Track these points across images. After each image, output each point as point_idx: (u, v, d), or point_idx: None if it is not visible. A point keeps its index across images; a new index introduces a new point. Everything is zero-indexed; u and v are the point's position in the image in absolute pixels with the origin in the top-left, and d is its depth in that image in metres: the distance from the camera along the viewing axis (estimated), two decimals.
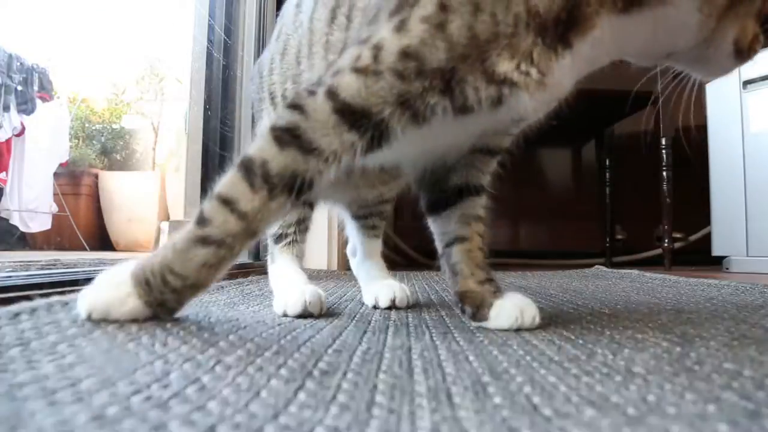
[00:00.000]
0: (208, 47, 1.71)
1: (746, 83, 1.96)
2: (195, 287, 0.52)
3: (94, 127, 4.38)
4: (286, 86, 0.78)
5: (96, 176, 3.98)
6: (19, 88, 3.13)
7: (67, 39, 4.05)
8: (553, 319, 0.69)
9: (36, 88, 3.27)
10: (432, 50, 0.48)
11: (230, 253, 0.50)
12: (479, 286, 0.66)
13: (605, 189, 2.78)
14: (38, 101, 3.29)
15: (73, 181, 3.82)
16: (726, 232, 2.07)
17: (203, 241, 0.49)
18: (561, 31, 0.52)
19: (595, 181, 2.86)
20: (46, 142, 3.46)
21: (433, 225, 0.72)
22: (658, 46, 0.58)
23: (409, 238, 2.54)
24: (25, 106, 3.19)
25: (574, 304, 0.89)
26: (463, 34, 0.49)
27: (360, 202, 0.91)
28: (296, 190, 0.49)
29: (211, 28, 1.73)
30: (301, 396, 0.34)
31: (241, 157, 0.51)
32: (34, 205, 3.37)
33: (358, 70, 0.49)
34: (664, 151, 2.13)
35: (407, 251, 2.52)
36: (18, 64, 3.14)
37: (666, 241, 2.14)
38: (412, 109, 0.49)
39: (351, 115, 0.49)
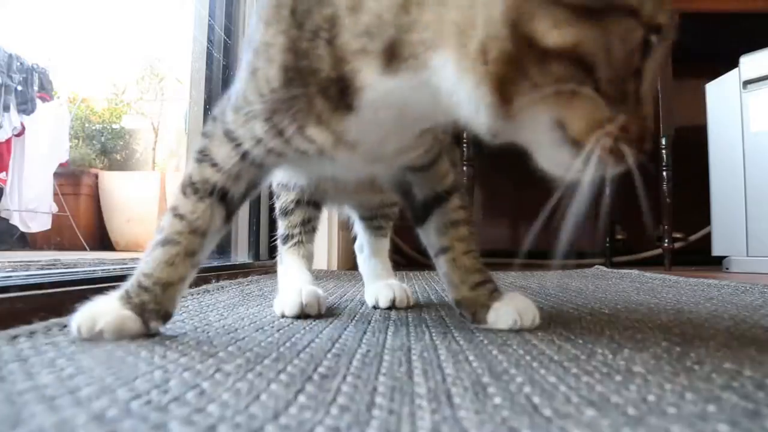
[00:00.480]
0: (208, 47, 1.71)
1: (746, 83, 1.96)
2: (163, 284, 0.56)
3: (94, 127, 4.37)
4: None
5: (96, 176, 3.97)
6: (19, 88, 3.12)
7: (67, 39, 4.06)
8: (553, 319, 0.69)
9: (36, 88, 3.26)
10: (245, 99, 0.55)
11: (180, 248, 0.56)
12: (472, 292, 0.65)
13: (605, 189, 2.78)
14: (38, 101, 3.28)
15: (73, 181, 3.81)
16: (726, 232, 2.07)
17: (160, 243, 0.57)
18: (339, 92, 0.49)
19: (595, 181, 2.86)
20: (46, 142, 3.45)
21: (421, 237, 0.70)
22: (449, 120, 0.49)
23: (409, 238, 2.53)
24: (25, 106, 3.18)
25: (574, 304, 0.89)
26: (259, 92, 0.52)
27: (365, 206, 0.91)
28: (217, 195, 0.58)
29: (211, 28, 1.73)
30: (301, 398, 0.34)
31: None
32: (34, 205, 3.37)
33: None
34: (664, 151, 2.13)
35: (407, 251, 2.52)
36: (18, 64, 3.13)
37: (666, 241, 2.14)
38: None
39: (232, 138, 0.57)
